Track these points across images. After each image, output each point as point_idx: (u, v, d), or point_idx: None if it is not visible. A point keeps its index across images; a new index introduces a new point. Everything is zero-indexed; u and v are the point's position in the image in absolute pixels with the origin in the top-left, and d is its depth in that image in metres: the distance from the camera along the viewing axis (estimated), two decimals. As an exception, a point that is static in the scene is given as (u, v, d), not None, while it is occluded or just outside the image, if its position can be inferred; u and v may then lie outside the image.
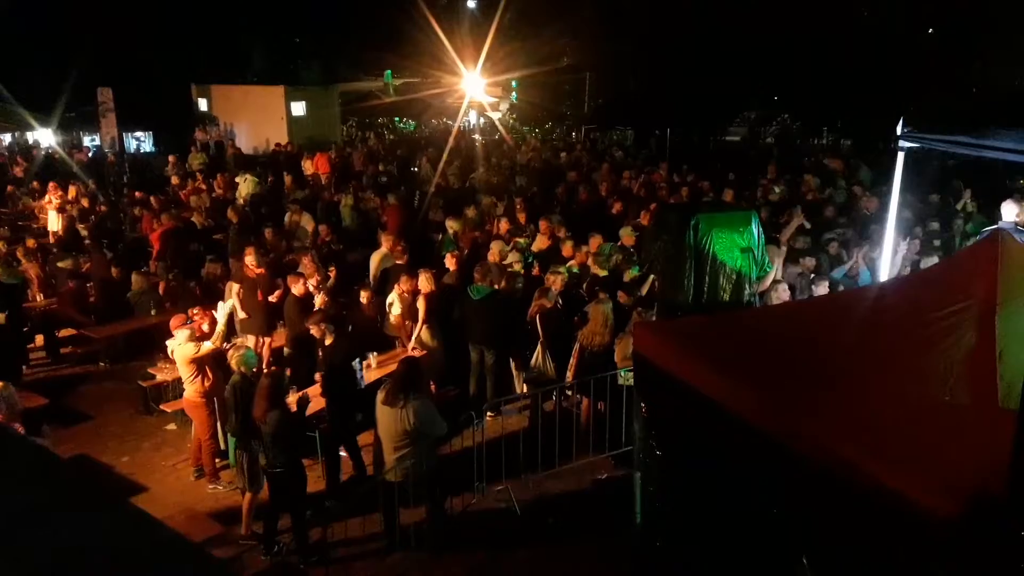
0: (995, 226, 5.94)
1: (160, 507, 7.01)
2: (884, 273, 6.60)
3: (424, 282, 8.58)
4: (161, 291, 10.23)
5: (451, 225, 11.15)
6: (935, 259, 8.60)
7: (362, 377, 7.54)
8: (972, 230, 10.16)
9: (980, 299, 3.55)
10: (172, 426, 8.54)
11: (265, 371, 7.40)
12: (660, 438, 4.42)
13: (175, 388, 8.31)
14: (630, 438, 6.29)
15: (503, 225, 11.10)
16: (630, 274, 8.68)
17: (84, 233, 13.54)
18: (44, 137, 23.24)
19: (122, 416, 8.93)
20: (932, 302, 3.74)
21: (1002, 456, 2.84)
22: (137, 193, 15.62)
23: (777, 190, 13.29)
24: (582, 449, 7.36)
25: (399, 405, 5.97)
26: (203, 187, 16.22)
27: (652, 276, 7.67)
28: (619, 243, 9.62)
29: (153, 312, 9.95)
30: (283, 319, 9.09)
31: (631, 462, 5.51)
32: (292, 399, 6.64)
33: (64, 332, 10.87)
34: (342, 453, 7.45)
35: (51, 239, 13.77)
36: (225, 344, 7.64)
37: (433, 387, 8.53)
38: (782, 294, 7.31)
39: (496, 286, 8.57)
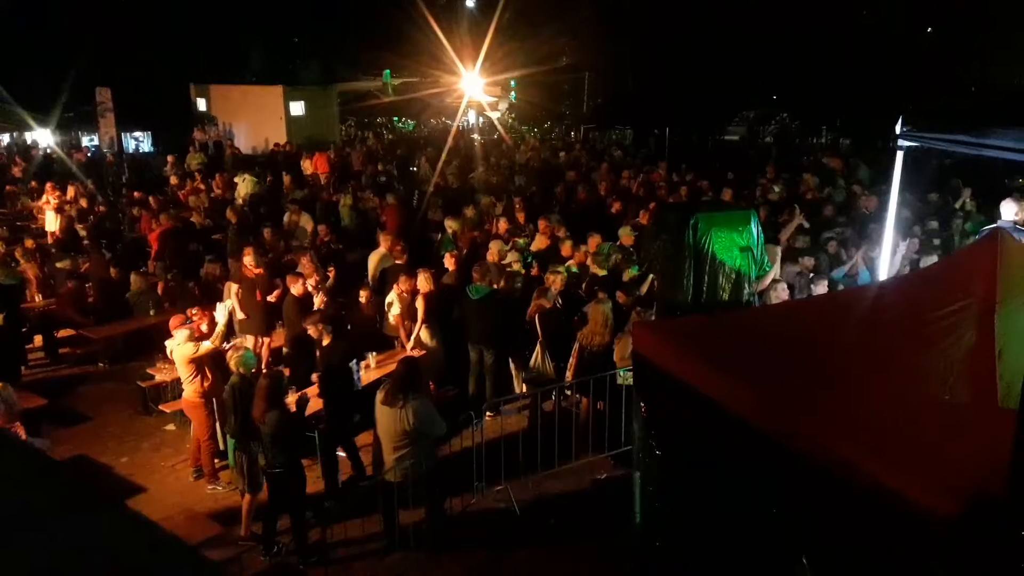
0: (994, 225, 5.96)
1: (159, 508, 7.01)
2: (883, 272, 6.59)
3: (423, 282, 8.57)
4: (160, 291, 10.23)
5: (450, 225, 11.14)
6: (935, 258, 8.61)
7: (359, 378, 7.53)
8: (971, 229, 10.15)
9: (980, 298, 3.55)
10: (171, 427, 8.53)
11: (264, 371, 7.39)
12: (659, 438, 4.42)
13: (174, 388, 8.30)
14: (629, 438, 6.29)
15: (502, 225, 11.09)
16: (629, 273, 8.68)
17: (83, 233, 13.53)
18: (43, 137, 23.23)
19: (121, 416, 8.92)
20: (931, 301, 3.73)
21: (1002, 455, 2.84)
22: (136, 193, 15.61)
23: (777, 189, 13.29)
24: (581, 449, 7.35)
25: (398, 405, 5.97)
26: (202, 187, 16.21)
27: (651, 275, 7.66)
28: (618, 243, 9.61)
29: (152, 312, 9.94)
30: (282, 319, 9.08)
31: (630, 462, 5.50)
32: (291, 399, 6.64)
33: (63, 332, 10.85)
34: (340, 454, 7.45)
35: (49, 239, 13.76)
36: (224, 344, 7.63)
37: (432, 387, 8.53)
38: (781, 293, 7.30)
39: (495, 286, 8.56)
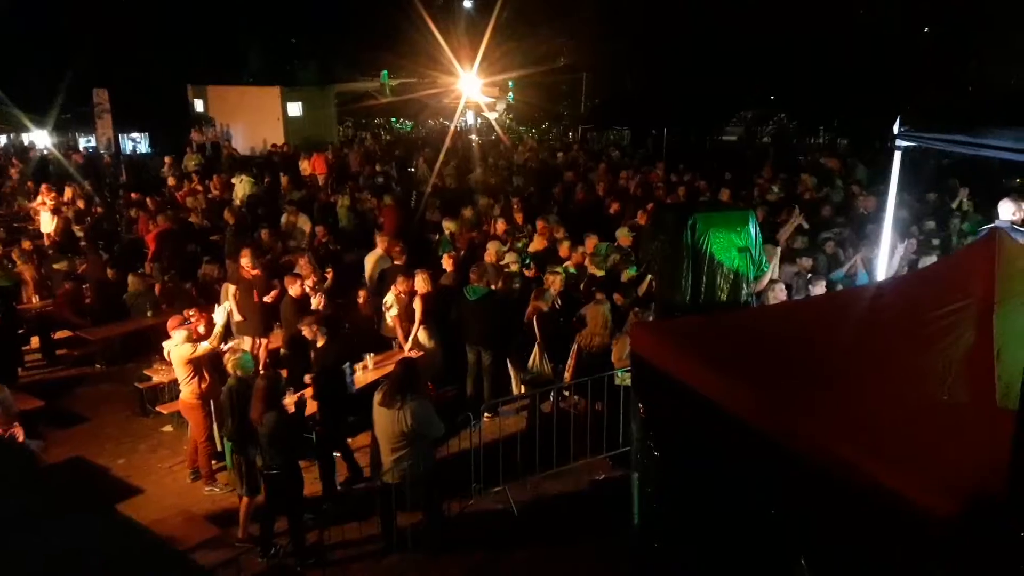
0: (992, 225, 5.96)
1: (156, 509, 7.00)
2: (881, 273, 6.59)
3: (421, 283, 8.56)
4: (157, 293, 10.21)
5: (448, 226, 11.13)
6: (933, 258, 8.61)
7: (352, 381, 7.49)
8: (969, 229, 10.16)
9: (978, 298, 3.55)
10: (168, 428, 8.52)
11: (261, 373, 7.38)
12: (658, 438, 4.41)
13: (171, 390, 8.28)
14: (628, 439, 6.28)
15: (500, 225, 11.08)
16: (628, 274, 8.68)
17: (80, 234, 13.51)
18: (40, 138, 23.20)
19: (118, 418, 8.90)
20: (930, 301, 3.73)
21: (1000, 455, 2.83)
22: (133, 194, 15.58)
23: (775, 189, 13.29)
24: (580, 450, 7.34)
25: (396, 406, 5.96)
26: (199, 188, 16.19)
27: (649, 276, 7.66)
28: (615, 243, 9.61)
29: (149, 314, 9.91)
30: (280, 320, 9.06)
31: (629, 463, 5.50)
32: (289, 400, 6.63)
33: (60, 334, 10.83)
34: (337, 455, 7.43)
35: (46, 241, 13.74)
36: (222, 346, 7.62)
37: (431, 388, 8.52)
38: (779, 294, 7.30)
39: (493, 287, 8.56)
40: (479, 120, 29.20)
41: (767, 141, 26.90)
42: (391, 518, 6.28)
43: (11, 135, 25.35)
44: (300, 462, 6.48)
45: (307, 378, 7.54)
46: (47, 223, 14.28)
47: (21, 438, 6.37)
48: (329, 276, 9.60)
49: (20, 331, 10.48)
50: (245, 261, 9.10)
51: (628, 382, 6.31)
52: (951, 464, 2.94)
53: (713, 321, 4.95)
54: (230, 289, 9.06)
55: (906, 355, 3.61)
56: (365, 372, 8.13)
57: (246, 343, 8.72)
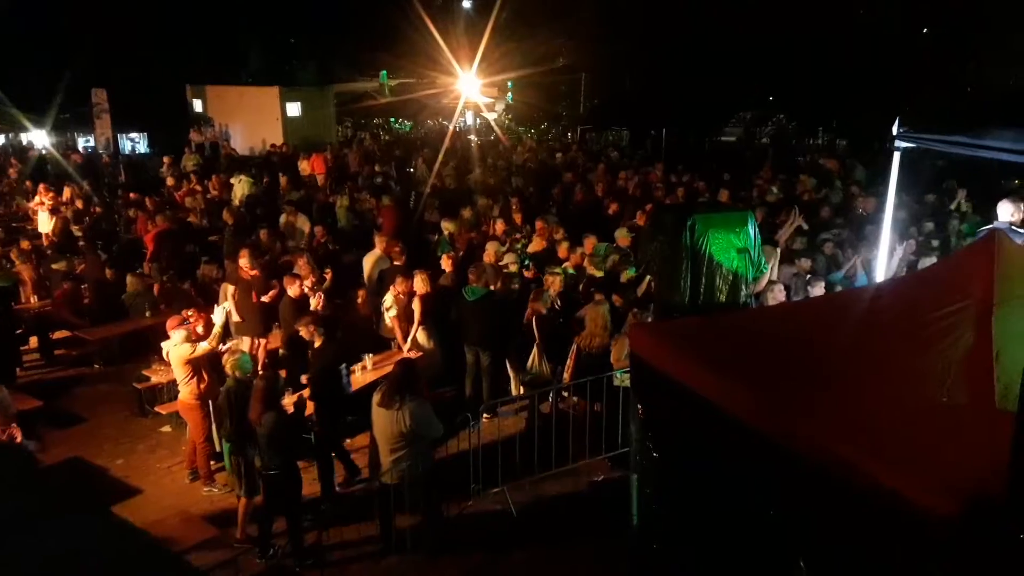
0: (991, 226, 5.96)
1: (155, 510, 6.99)
2: (880, 274, 6.60)
3: (420, 283, 8.55)
4: (156, 293, 10.20)
5: (447, 226, 11.12)
6: (933, 259, 8.61)
7: (348, 382, 7.48)
8: (967, 230, 10.17)
9: (977, 299, 3.55)
10: (167, 428, 8.51)
11: (260, 373, 7.37)
12: (656, 439, 4.41)
13: (170, 390, 8.27)
14: (627, 440, 6.27)
15: (499, 226, 11.08)
16: (627, 275, 8.67)
17: (79, 234, 13.49)
18: (38, 138, 23.18)
19: (117, 418, 8.89)
20: (929, 302, 3.73)
21: (999, 457, 2.84)
22: (132, 194, 15.57)
23: (775, 190, 13.29)
24: (579, 451, 7.34)
25: (395, 407, 5.95)
26: (198, 188, 16.18)
27: (648, 277, 7.65)
28: (615, 244, 9.61)
29: (148, 314, 9.90)
30: (279, 321, 9.05)
31: (628, 464, 5.50)
32: (288, 401, 6.62)
33: (58, 334, 10.82)
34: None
35: (44, 241, 13.73)
36: (221, 346, 7.61)
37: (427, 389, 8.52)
38: (778, 295, 7.30)
39: (492, 287, 8.55)
40: (478, 120, 29.22)
41: (766, 142, 26.92)
42: (390, 519, 6.28)
43: (10, 135, 25.33)
44: (299, 463, 6.47)
45: (304, 378, 7.53)
46: (45, 223, 14.27)
47: (19, 438, 6.37)
48: (328, 276, 9.59)
49: (18, 331, 10.47)
50: (244, 261, 9.09)
51: (627, 383, 6.31)
52: (950, 465, 2.94)
53: (712, 322, 4.95)
54: (229, 289, 9.06)
55: (905, 356, 3.60)
56: (364, 373, 8.13)
57: (245, 343, 8.71)
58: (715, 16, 25.35)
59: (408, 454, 6.02)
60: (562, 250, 9.62)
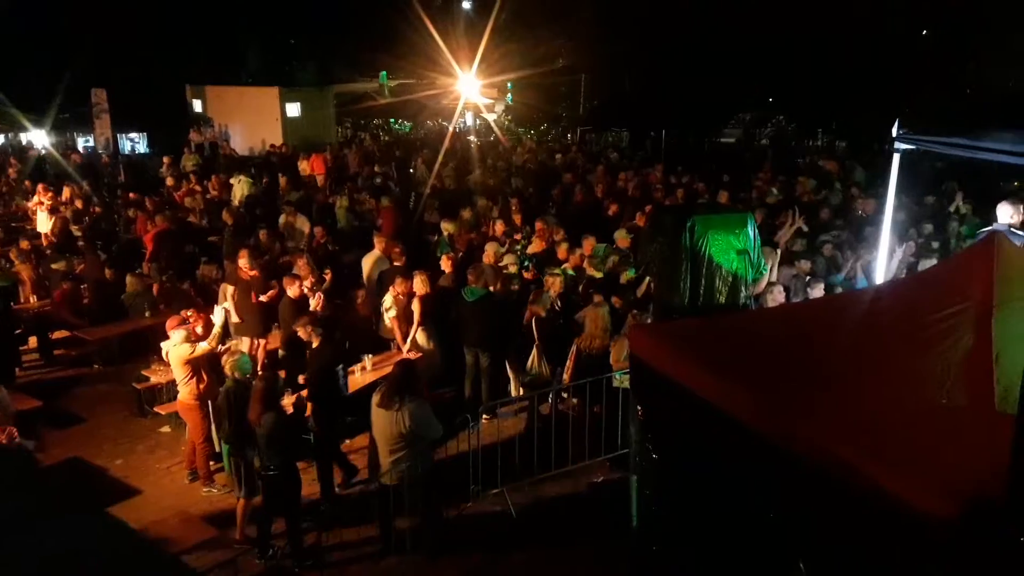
0: (990, 228, 5.96)
1: (154, 510, 6.99)
2: (880, 277, 6.60)
3: (419, 284, 8.55)
4: (155, 293, 10.19)
5: (446, 227, 11.12)
6: (933, 261, 8.61)
7: (345, 384, 7.47)
8: (967, 232, 10.17)
9: (977, 301, 3.55)
10: (166, 428, 8.50)
11: (260, 373, 7.37)
12: (656, 441, 4.41)
13: (169, 390, 8.27)
14: (626, 441, 6.27)
15: (499, 227, 11.08)
16: (627, 276, 8.67)
17: (78, 234, 13.49)
18: (38, 138, 23.18)
19: (116, 418, 8.89)
20: (929, 304, 3.73)
21: (999, 459, 2.84)
22: (131, 194, 15.57)
23: (775, 191, 13.29)
24: (578, 452, 7.34)
25: (394, 408, 5.95)
26: (198, 189, 16.18)
27: (648, 278, 7.65)
28: (614, 245, 9.61)
29: (147, 314, 9.90)
30: (278, 321, 9.05)
31: (627, 465, 5.49)
32: (287, 401, 6.61)
33: (58, 334, 10.82)
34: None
35: (43, 241, 13.72)
36: (220, 347, 7.61)
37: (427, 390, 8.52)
38: (778, 296, 7.30)
39: (491, 288, 8.55)
40: (478, 121, 29.23)
41: (765, 143, 26.93)
42: (389, 520, 6.27)
43: (9, 135, 25.32)
44: (298, 463, 6.47)
45: (300, 379, 7.53)
46: (44, 223, 14.27)
47: (17, 438, 6.36)
48: (327, 277, 9.59)
49: (18, 331, 10.47)
50: (243, 262, 9.09)
51: (626, 384, 6.30)
52: (950, 467, 2.94)
53: (711, 323, 4.95)
54: (228, 290, 9.05)
55: (905, 358, 3.60)
56: (363, 373, 8.13)
57: (244, 344, 8.71)
58: (715, 17, 25.35)
59: (407, 455, 6.01)
60: (561, 251, 9.62)
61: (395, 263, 9.58)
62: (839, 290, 8.65)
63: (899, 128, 5.54)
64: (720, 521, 3.87)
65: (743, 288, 6.02)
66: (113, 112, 23.63)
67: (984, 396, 3.24)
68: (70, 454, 8.05)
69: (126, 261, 11.63)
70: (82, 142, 26.17)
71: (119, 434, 8.54)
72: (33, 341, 10.72)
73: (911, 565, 2.92)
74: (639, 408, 4.56)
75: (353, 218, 13.70)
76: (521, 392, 8.29)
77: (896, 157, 5.76)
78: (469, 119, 29.72)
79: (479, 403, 8.06)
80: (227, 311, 8.34)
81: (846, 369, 3.68)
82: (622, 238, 9.73)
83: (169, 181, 17.16)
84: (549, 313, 8.10)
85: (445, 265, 9.38)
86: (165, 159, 19.67)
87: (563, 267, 9.11)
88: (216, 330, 7.50)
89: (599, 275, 8.84)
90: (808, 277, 8.60)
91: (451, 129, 25.95)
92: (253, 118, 26.09)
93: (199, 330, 7.66)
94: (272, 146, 23.71)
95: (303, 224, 12.55)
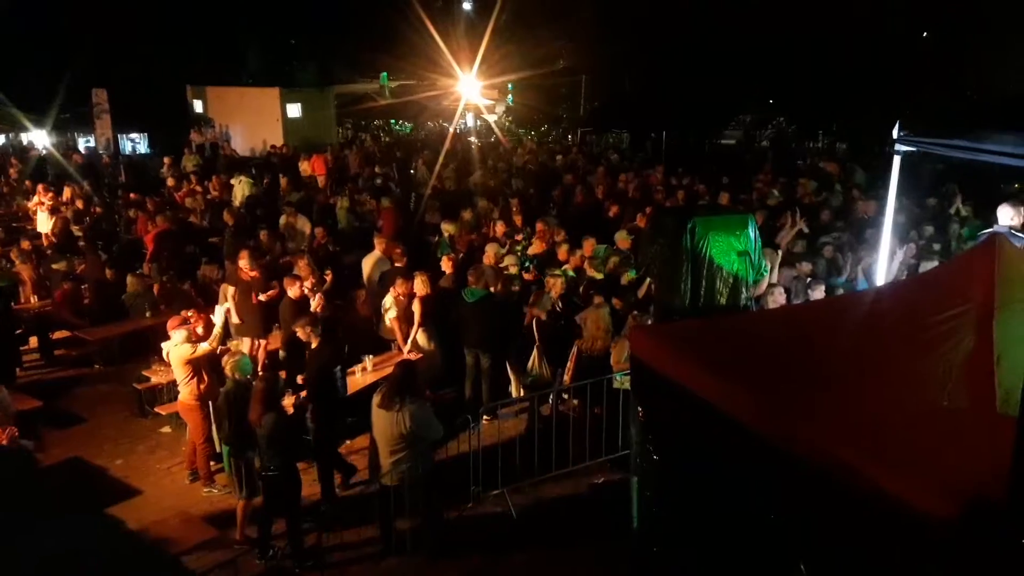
0: (991, 230, 5.96)
1: (154, 510, 6.99)
2: (881, 279, 6.60)
3: (420, 285, 8.55)
4: (156, 293, 10.20)
5: (447, 228, 11.12)
6: (935, 263, 8.61)
7: (344, 385, 7.47)
8: (968, 234, 10.17)
9: (978, 303, 3.54)
10: (167, 429, 8.51)
11: (260, 374, 7.37)
12: (657, 442, 4.41)
13: (170, 391, 8.27)
14: (627, 442, 6.27)
15: (499, 228, 11.08)
16: (628, 277, 8.68)
17: (79, 235, 13.49)
18: (39, 138, 23.18)
19: (116, 419, 8.89)
20: (930, 306, 3.73)
21: (1000, 461, 2.84)
22: (132, 195, 15.57)
23: (776, 193, 13.29)
24: (579, 453, 7.34)
25: (395, 408, 5.95)
26: (198, 189, 16.19)
27: (648, 279, 7.65)
28: (614, 246, 9.61)
29: (148, 314, 9.90)
30: (279, 322, 9.05)
31: (628, 466, 5.50)
32: (288, 402, 6.61)
33: (58, 334, 10.82)
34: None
35: (44, 241, 13.72)
36: (220, 347, 7.60)
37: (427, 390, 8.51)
38: (778, 298, 7.30)
39: (492, 289, 8.55)
40: (478, 122, 29.24)
41: (766, 145, 26.93)
42: (390, 520, 6.28)
43: (10, 135, 25.32)
44: (298, 464, 6.47)
45: (299, 379, 7.53)
46: (44, 223, 14.28)
47: (17, 438, 6.37)
48: (328, 278, 9.59)
49: (18, 331, 10.47)
50: (243, 263, 9.09)
51: (627, 385, 6.31)
52: (951, 469, 2.94)
53: (712, 325, 4.95)
54: (229, 290, 9.05)
55: (906, 360, 3.60)
56: (364, 374, 8.13)
57: (245, 345, 8.71)
58: (715, 18, 25.36)
59: (408, 456, 6.02)
60: (562, 252, 9.62)
61: (396, 264, 9.59)
62: (840, 292, 8.65)
63: (900, 130, 5.54)
64: (721, 522, 3.87)
65: (744, 290, 6.02)
66: (114, 112, 23.63)
67: (985, 398, 3.24)
68: (70, 454, 8.05)
69: (127, 261, 11.64)
70: (83, 142, 26.16)
71: (119, 434, 8.55)
72: (34, 341, 10.73)
73: (912, 567, 2.92)
74: (640, 409, 4.56)
75: (354, 219, 13.70)
76: (522, 393, 8.29)
77: (897, 159, 5.76)
78: (470, 120, 29.73)
79: (480, 404, 8.06)
80: (228, 311, 8.34)
81: (847, 371, 3.67)
82: (622, 239, 9.73)
83: (170, 181, 17.16)
84: (550, 315, 8.10)
85: (446, 266, 9.38)
86: (166, 159, 19.67)
87: (563, 268, 9.11)
88: (217, 331, 7.50)
89: (600, 276, 8.84)
90: (809, 279, 8.61)
91: (452, 130, 25.96)
92: (254, 119, 26.09)
93: (200, 330, 7.66)
94: (273, 147, 23.72)
95: (304, 225, 12.55)
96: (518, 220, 11.72)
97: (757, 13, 24.09)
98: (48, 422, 8.57)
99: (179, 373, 7.29)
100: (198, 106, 27.32)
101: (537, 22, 29.51)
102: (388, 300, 8.69)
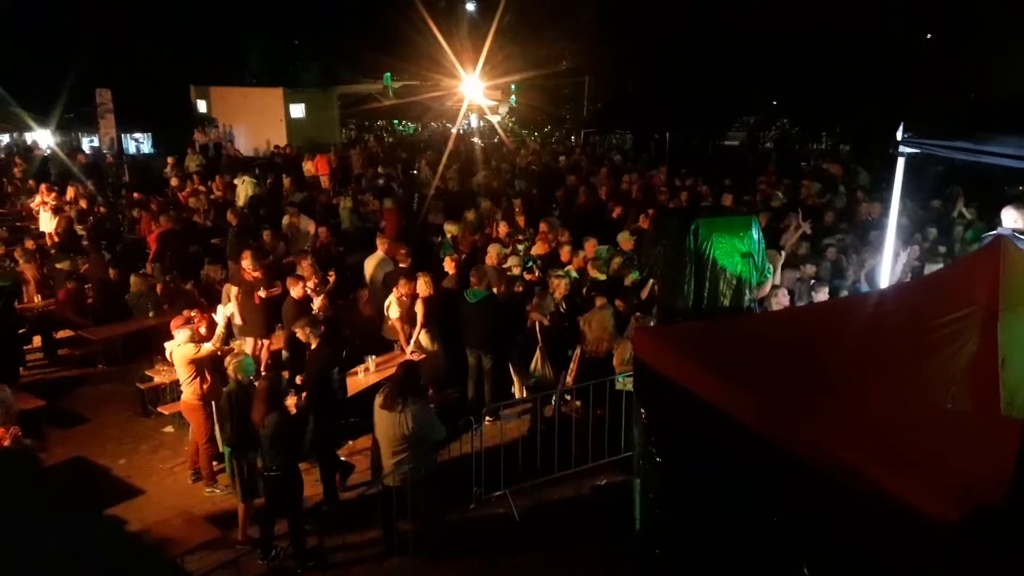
0: (995, 232, 5.94)
1: (157, 510, 6.99)
2: (884, 281, 6.58)
3: (423, 286, 8.55)
4: (159, 293, 10.21)
5: (450, 229, 11.12)
6: (940, 265, 8.58)
7: (343, 386, 7.46)
8: (971, 237, 10.14)
9: (982, 306, 3.53)
10: (170, 428, 8.51)
11: (263, 374, 7.37)
12: (660, 444, 4.40)
13: (173, 390, 8.29)
14: (630, 444, 6.26)
15: (502, 228, 11.08)
16: (631, 278, 8.67)
17: (82, 234, 13.52)
18: (43, 138, 23.22)
19: (119, 418, 8.90)
20: (934, 309, 3.71)
21: (1005, 463, 2.83)
22: (136, 194, 15.60)
23: (779, 195, 13.28)
24: (581, 455, 7.33)
25: (397, 409, 5.95)
26: (202, 189, 16.21)
27: (651, 281, 7.64)
28: (617, 247, 9.60)
29: (151, 314, 9.92)
30: (282, 322, 9.05)
31: (630, 468, 5.49)
32: (290, 402, 6.61)
33: (62, 333, 10.84)
34: (342, 458, 7.41)
35: (48, 241, 13.75)
36: (223, 347, 7.61)
37: (431, 391, 8.51)
38: (782, 299, 7.30)
39: (495, 290, 8.55)
40: (482, 123, 29.24)
41: (769, 146, 26.90)
42: (391, 521, 6.28)
43: (14, 134, 25.37)
44: (300, 464, 6.47)
45: (298, 379, 7.53)
46: (47, 223, 14.30)
47: (20, 438, 6.37)
48: (331, 278, 9.60)
49: (22, 330, 10.49)
50: (246, 263, 9.10)
51: (629, 387, 6.30)
52: (955, 471, 2.93)
53: (715, 326, 4.94)
54: (232, 291, 9.06)
55: (910, 362, 3.59)
56: (367, 375, 8.13)
57: (248, 345, 8.72)
58: (719, 19, 25.33)
59: (410, 457, 6.02)
60: (564, 253, 9.61)
61: (400, 264, 9.59)
62: (844, 294, 8.63)
63: (904, 132, 5.52)
64: (724, 525, 3.86)
65: (747, 291, 6.00)
66: (118, 112, 23.68)
67: (989, 401, 3.23)
68: (73, 454, 8.07)
69: (130, 261, 11.67)
70: (87, 142, 26.21)
71: (122, 434, 8.56)
72: (37, 340, 10.74)
73: (915, 570, 2.91)
74: (642, 411, 4.55)
75: (357, 219, 13.71)
76: (524, 394, 8.28)
77: (901, 161, 5.74)
78: (473, 121, 29.74)
79: (482, 405, 8.06)
80: (231, 312, 8.35)
81: (851, 373, 3.66)
82: (625, 240, 9.73)
83: (173, 181, 17.18)
84: (553, 316, 8.09)
85: (448, 267, 9.37)
86: (169, 159, 19.69)
87: (566, 269, 9.11)
88: (219, 331, 7.51)
89: (603, 277, 8.83)
90: (812, 281, 8.59)
91: (455, 131, 25.97)
92: (257, 119, 26.12)
93: (203, 331, 7.67)
94: (276, 147, 23.74)
95: (307, 225, 12.56)
96: (521, 221, 11.72)
97: (759, 14, 24.06)
98: (51, 421, 8.59)
99: (182, 373, 7.29)
100: (202, 106, 27.36)
101: (540, 23, 29.51)
102: (391, 300, 8.70)
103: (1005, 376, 3.26)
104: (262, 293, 9.02)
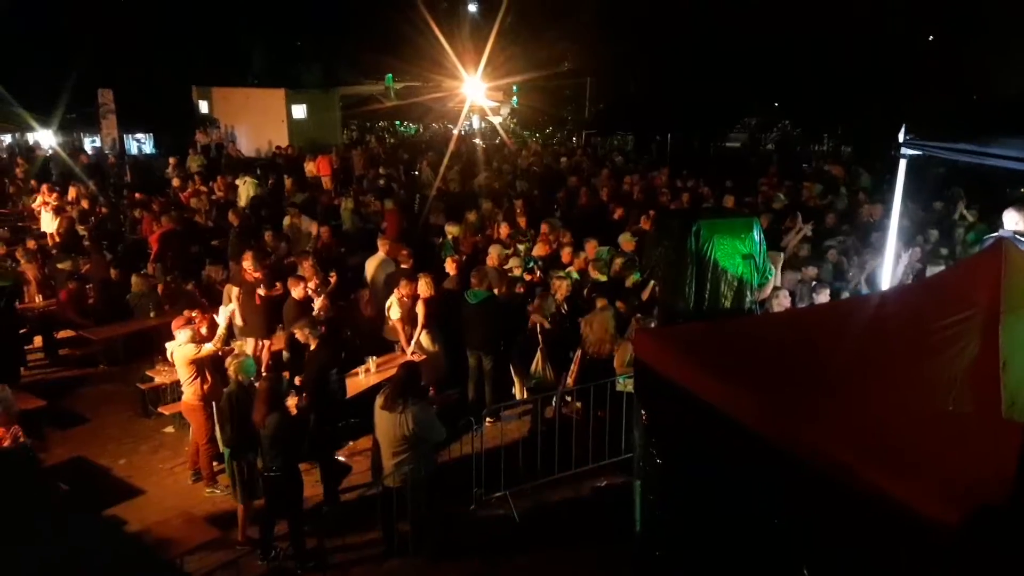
0: (996, 234, 5.93)
1: (157, 510, 6.99)
2: (886, 283, 6.58)
3: (424, 287, 8.55)
4: (160, 293, 10.21)
5: (451, 230, 11.12)
6: (942, 267, 8.58)
7: (342, 388, 7.45)
8: (973, 239, 10.13)
9: (984, 308, 3.53)
10: (170, 429, 8.51)
11: (263, 375, 7.37)
12: (660, 445, 4.40)
13: (173, 391, 8.28)
14: (630, 445, 6.26)
15: (503, 229, 11.08)
16: (633, 279, 8.67)
17: (84, 234, 13.53)
18: (44, 138, 23.24)
19: (120, 418, 8.90)
20: (935, 311, 3.71)
21: (1006, 466, 2.83)
22: (137, 195, 15.60)
23: (781, 196, 13.28)
24: (582, 456, 7.33)
25: (398, 410, 5.95)
26: (203, 189, 16.21)
27: (652, 282, 7.64)
28: (618, 248, 9.60)
29: (152, 314, 9.92)
30: (283, 323, 9.05)
31: (631, 469, 5.48)
32: (291, 403, 6.61)
33: (63, 333, 10.85)
34: (340, 458, 7.41)
35: (49, 241, 13.76)
36: (224, 348, 7.61)
37: (432, 391, 8.51)
38: (783, 301, 7.29)
39: (496, 291, 8.54)
40: (483, 124, 29.24)
41: (771, 148, 26.90)
42: (391, 522, 6.27)
43: (16, 135, 25.39)
44: (300, 465, 6.46)
45: (297, 380, 7.53)
46: (48, 223, 14.31)
47: (21, 438, 6.38)
48: (332, 279, 9.60)
49: (23, 330, 10.49)
50: (247, 264, 9.10)
51: (630, 388, 6.30)
52: (956, 473, 2.93)
53: (716, 328, 4.94)
54: (233, 291, 9.06)
55: (911, 364, 3.59)
56: (368, 375, 8.13)
57: (249, 345, 8.72)
58: (720, 20, 25.32)
59: (410, 457, 6.01)
60: (565, 254, 9.61)
61: (402, 265, 9.58)
62: (845, 295, 8.63)
63: (905, 133, 5.52)
64: (724, 526, 3.86)
65: (748, 293, 6.00)
66: (119, 113, 23.71)
67: (991, 403, 3.22)
68: (74, 454, 8.07)
69: (131, 261, 11.67)
70: (89, 142, 26.23)
71: (123, 434, 8.56)
72: (38, 340, 10.75)
73: (916, 571, 2.91)
74: (643, 412, 4.55)
75: (358, 220, 13.71)
76: (525, 395, 8.28)
77: (903, 162, 5.74)
78: (475, 122, 29.74)
79: (482, 406, 8.06)
80: (232, 312, 8.34)
81: (851, 374, 3.66)
82: (627, 242, 9.73)
83: (175, 182, 17.18)
84: (554, 317, 8.09)
85: (449, 268, 9.37)
86: (171, 160, 19.70)
87: (568, 270, 9.10)
88: (220, 331, 7.51)
89: (604, 278, 8.83)
90: (814, 282, 8.59)
91: (456, 132, 25.96)
92: (259, 119, 26.12)
93: (204, 331, 7.67)
94: (278, 147, 23.74)
95: (308, 226, 12.56)
96: (522, 222, 11.71)
97: (760, 14, 24.05)
98: (52, 421, 8.59)
99: (183, 373, 7.29)
100: (203, 107, 27.37)
101: (541, 24, 29.49)
102: (392, 301, 8.69)
103: (1006, 378, 3.26)
104: (261, 291, 9.02)
